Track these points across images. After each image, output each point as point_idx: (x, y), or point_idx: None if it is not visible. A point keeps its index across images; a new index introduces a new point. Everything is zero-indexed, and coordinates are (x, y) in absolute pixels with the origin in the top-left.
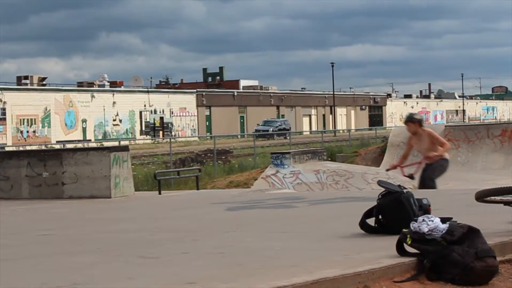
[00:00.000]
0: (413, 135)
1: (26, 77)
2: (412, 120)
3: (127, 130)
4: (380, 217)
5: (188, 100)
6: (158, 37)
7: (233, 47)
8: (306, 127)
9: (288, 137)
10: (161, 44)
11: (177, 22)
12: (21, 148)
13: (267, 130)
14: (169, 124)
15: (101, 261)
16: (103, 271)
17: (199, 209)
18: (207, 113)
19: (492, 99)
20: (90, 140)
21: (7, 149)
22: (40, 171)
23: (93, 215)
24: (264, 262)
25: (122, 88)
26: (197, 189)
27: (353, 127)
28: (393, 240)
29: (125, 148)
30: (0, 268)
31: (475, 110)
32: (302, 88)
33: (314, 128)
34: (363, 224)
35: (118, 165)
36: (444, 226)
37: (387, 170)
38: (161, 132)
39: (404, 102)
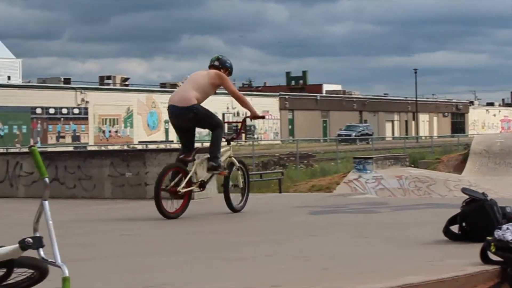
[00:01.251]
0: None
1: (108, 77)
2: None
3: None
4: (463, 224)
5: (271, 103)
6: (241, 40)
7: (315, 51)
8: (388, 133)
9: (370, 142)
10: (243, 47)
11: (259, 25)
12: (103, 148)
13: (350, 135)
14: (252, 127)
15: (185, 261)
16: (188, 271)
17: (282, 212)
18: (290, 116)
19: None
20: (172, 141)
21: (89, 148)
22: (123, 171)
23: None
24: (347, 267)
25: None
26: (280, 192)
27: (435, 133)
28: (476, 247)
29: None
30: (81, 267)
31: None
32: (384, 94)
33: (396, 134)
34: (447, 231)
35: (201, 167)
36: None
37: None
38: (243, 135)
39: (487, 110)
